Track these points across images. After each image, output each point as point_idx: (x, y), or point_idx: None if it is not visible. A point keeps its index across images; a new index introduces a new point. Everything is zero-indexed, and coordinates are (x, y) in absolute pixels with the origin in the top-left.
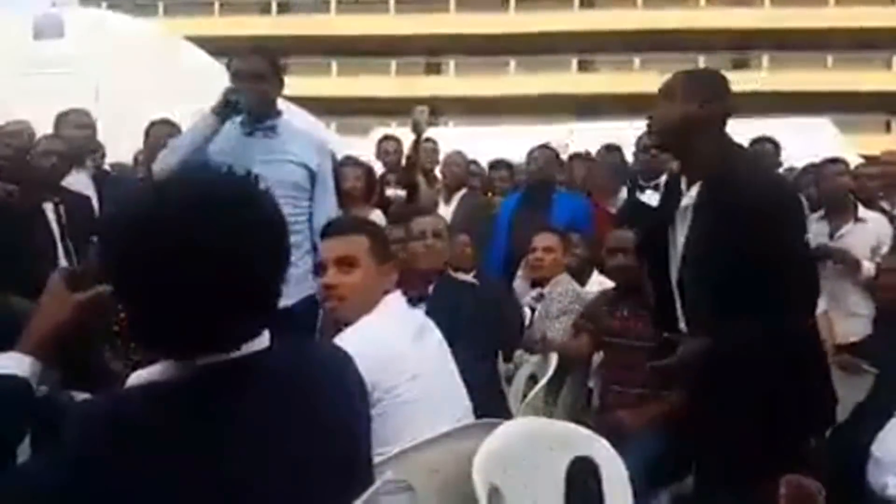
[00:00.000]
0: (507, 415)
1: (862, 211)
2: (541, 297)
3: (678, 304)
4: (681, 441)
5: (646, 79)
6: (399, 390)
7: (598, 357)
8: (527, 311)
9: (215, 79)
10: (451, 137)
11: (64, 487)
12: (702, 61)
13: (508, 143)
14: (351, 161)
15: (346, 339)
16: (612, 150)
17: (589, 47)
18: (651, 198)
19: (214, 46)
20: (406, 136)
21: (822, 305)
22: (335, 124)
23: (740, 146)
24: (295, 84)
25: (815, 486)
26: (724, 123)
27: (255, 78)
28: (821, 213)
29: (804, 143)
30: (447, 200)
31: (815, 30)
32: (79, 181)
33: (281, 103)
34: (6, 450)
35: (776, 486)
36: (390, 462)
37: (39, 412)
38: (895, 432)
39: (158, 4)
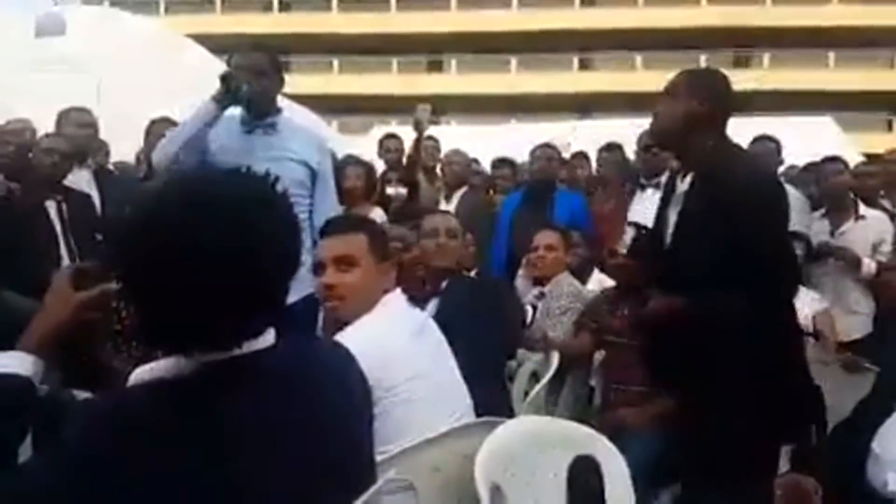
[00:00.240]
0: (511, 413)
1: (863, 209)
2: (542, 295)
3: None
4: (680, 440)
5: (647, 77)
6: (399, 389)
7: (599, 356)
8: (528, 309)
9: (217, 77)
10: (452, 136)
11: (66, 486)
12: (703, 59)
13: (510, 141)
14: (352, 160)
15: (347, 338)
16: (613, 148)
17: (590, 45)
18: (652, 196)
19: (216, 44)
20: (407, 135)
21: (823, 303)
22: (336, 122)
23: (738, 146)
24: (296, 82)
25: (811, 485)
26: (724, 123)
27: (256, 74)
28: (822, 211)
29: (806, 142)
30: (448, 199)
31: (817, 28)
32: (80, 179)
33: (282, 101)
34: (8, 449)
35: (772, 485)
36: (392, 461)
37: (41, 411)
38: (895, 429)
39: (160, 2)
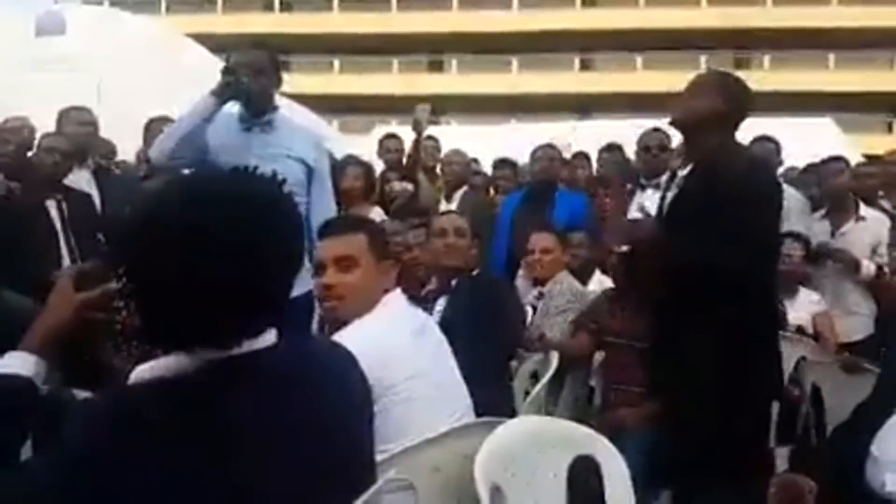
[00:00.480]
0: (514, 413)
1: (863, 209)
2: (542, 296)
3: None
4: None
5: (647, 77)
6: (399, 388)
7: (599, 356)
8: (528, 310)
9: (219, 71)
10: (452, 136)
11: (66, 485)
12: (703, 60)
13: (510, 141)
14: (351, 160)
15: (347, 338)
16: (613, 148)
17: (591, 46)
18: (652, 196)
19: (217, 44)
20: (408, 135)
21: (823, 304)
22: (337, 122)
23: (743, 146)
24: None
25: (806, 485)
26: (736, 126)
27: (255, 72)
28: (822, 211)
29: (806, 143)
30: (448, 198)
31: (817, 29)
32: (80, 179)
33: (283, 101)
34: (10, 449)
35: (766, 485)
36: (392, 460)
37: (42, 411)
38: (894, 431)
39: (161, 2)
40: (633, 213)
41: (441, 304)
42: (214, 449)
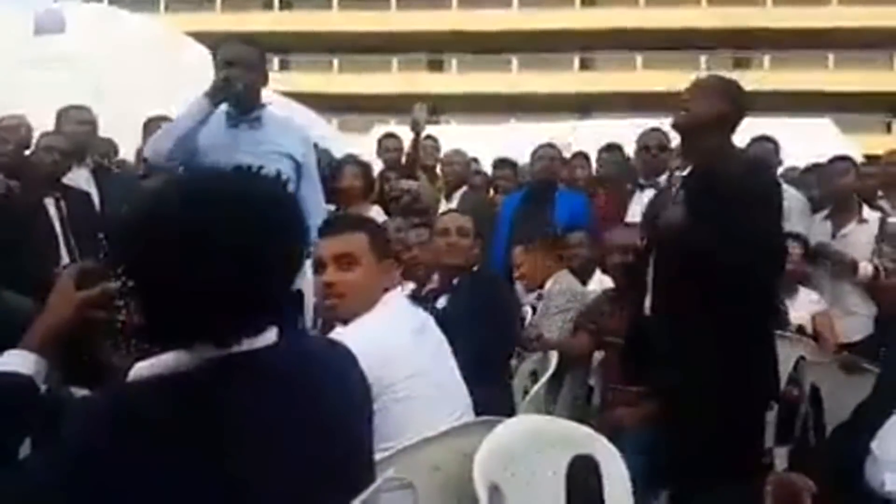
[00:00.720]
0: (514, 411)
1: (866, 212)
2: (542, 297)
3: None
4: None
5: (647, 77)
6: (399, 386)
7: (598, 356)
8: (528, 310)
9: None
10: (452, 135)
11: (66, 483)
12: (703, 60)
13: (510, 141)
14: (349, 159)
15: (347, 336)
16: (613, 148)
17: (591, 45)
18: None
19: (216, 42)
20: (407, 134)
21: (822, 304)
22: (337, 121)
23: (740, 148)
24: (296, 80)
25: (803, 484)
26: (734, 128)
27: (243, 67)
28: (825, 212)
29: (806, 143)
30: (448, 198)
31: (817, 29)
32: (79, 177)
33: (282, 100)
34: (9, 447)
35: (762, 484)
36: (391, 459)
37: (41, 409)
38: (894, 431)
39: (160, 0)
40: (632, 218)
41: (442, 302)
42: (214, 447)
